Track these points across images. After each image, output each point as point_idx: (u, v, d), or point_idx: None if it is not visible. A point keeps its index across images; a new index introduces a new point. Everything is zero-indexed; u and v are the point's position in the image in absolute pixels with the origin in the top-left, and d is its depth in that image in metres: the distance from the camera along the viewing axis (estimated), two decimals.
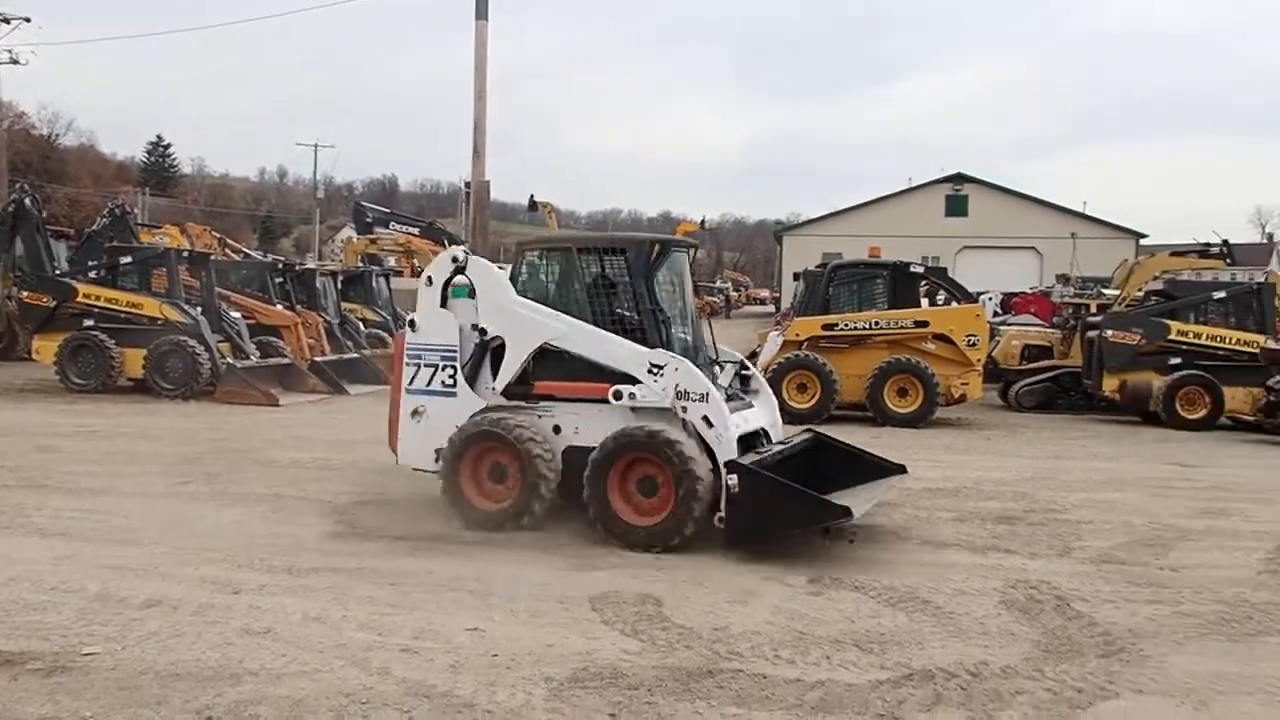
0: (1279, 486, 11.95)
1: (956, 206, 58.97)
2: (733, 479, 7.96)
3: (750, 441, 8.74)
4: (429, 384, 9.12)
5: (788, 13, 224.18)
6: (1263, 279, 21.55)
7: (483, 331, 9.01)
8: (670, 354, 8.44)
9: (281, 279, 22.52)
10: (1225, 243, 22.53)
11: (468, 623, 6.34)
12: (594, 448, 8.41)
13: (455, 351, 9.05)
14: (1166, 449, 15.12)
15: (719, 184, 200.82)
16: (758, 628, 6.43)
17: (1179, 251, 23.55)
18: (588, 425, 8.65)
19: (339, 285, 24.54)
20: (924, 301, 19.48)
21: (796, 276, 24.12)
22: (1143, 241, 54.78)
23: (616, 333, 8.66)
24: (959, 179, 59.66)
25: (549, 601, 6.83)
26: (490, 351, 9.02)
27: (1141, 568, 8.10)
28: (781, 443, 9.17)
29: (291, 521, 8.97)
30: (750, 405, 9.18)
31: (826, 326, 17.77)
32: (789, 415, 16.57)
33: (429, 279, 9.31)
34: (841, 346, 17.55)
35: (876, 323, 17.50)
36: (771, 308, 70.72)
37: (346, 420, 15.79)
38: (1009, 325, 22.92)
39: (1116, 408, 18.64)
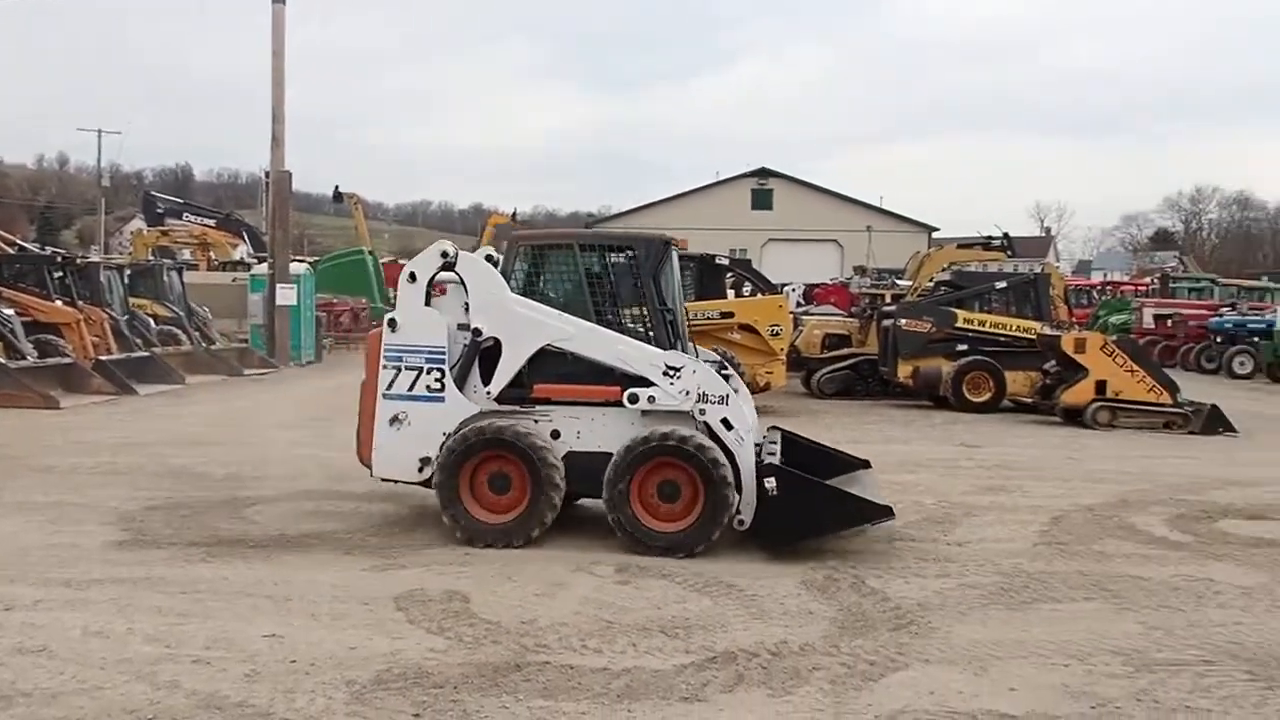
0: (1054, 464, 12.77)
1: (762, 200, 60.66)
2: (770, 481, 7.83)
3: None
4: (411, 388, 8.41)
5: (599, 7, 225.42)
6: (1039, 270, 22.96)
7: (475, 332, 8.39)
8: (688, 355, 8.29)
9: (61, 273, 21.17)
10: (1006, 236, 23.93)
11: (265, 629, 6.12)
12: (596, 453, 8.13)
13: (443, 353, 8.41)
14: (955, 430, 15.93)
15: (530, 176, 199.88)
16: (565, 619, 6.44)
17: (965, 244, 24.90)
18: (590, 429, 8.28)
19: (126, 280, 23.24)
20: (730, 293, 19.91)
21: None
22: (934, 235, 57.65)
23: (624, 334, 8.34)
24: (764, 174, 61.37)
25: (352, 603, 6.67)
26: (481, 353, 8.47)
27: (931, 544, 8.51)
28: (758, 443, 8.76)
29: (72, 531, 8.44)
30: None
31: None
32: None
33: (412, 275, 8.58)
34: None
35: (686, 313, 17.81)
36: None
37: (135, 422, 15.01)
38: (810, 315, 23.69)
39: (910, 393, 19.52)
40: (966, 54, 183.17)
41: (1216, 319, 29.25)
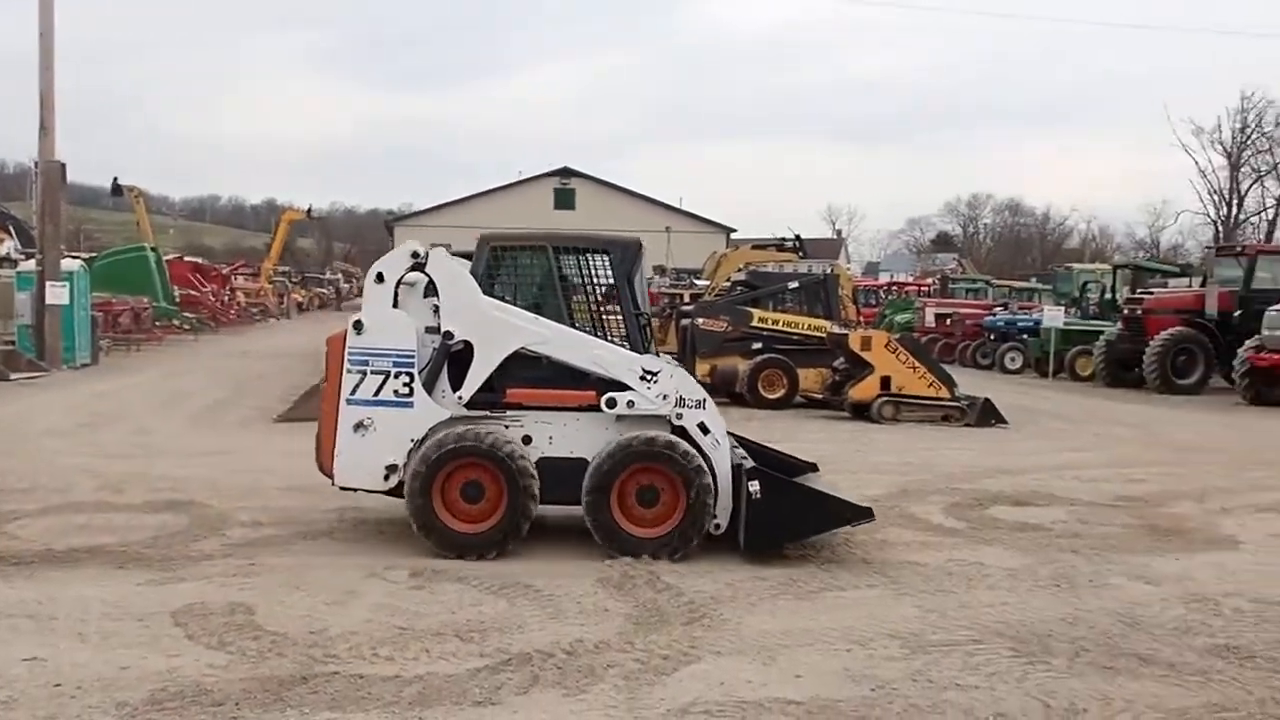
0: (842, 457, 13.26)
1: (564, 199, 60.94)
2: (754, 485, 7.74)
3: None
4: (377, 393, 8.05)
5: (398, 1, 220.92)
6: (829, 271, 23.86)
7: (447, 335, 8.09)
8: (665, 359, 8.15)
9: None
10: (798, 237, 24.80)
11: (24, 652, 5.70)
12: (569, 458, 7.92)
13: (412, 357, 8.06)
14: (751, 427, 16.23)
15: (327, 172, 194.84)
16: (356, 627, 6.28)
17: (761, 245, 25.65)
18: (563, 435, 8.07)
19: None
20: None
21: None
22: (732, 235, 59.16)
23: (598, 337, 8.17)
24: (566, 173, 61.67)
25: (125, 620, 6.31)
26: (450, 357, 8.15)
27: (723, 537, 8.67)
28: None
29: None
30: None
31: None
32: None
33: (379, 275, 8.20)
34: None
35: None
36: None
37: None
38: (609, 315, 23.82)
39: (708, 390, 19.90)
40: (762, 60, 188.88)
41: (990, 318, 31.10)
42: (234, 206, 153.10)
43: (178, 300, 37.38)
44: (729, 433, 9.13)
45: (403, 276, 8.20)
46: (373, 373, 8.09)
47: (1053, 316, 26.48)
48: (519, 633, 6.26)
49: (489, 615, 6.58)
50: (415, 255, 8.16)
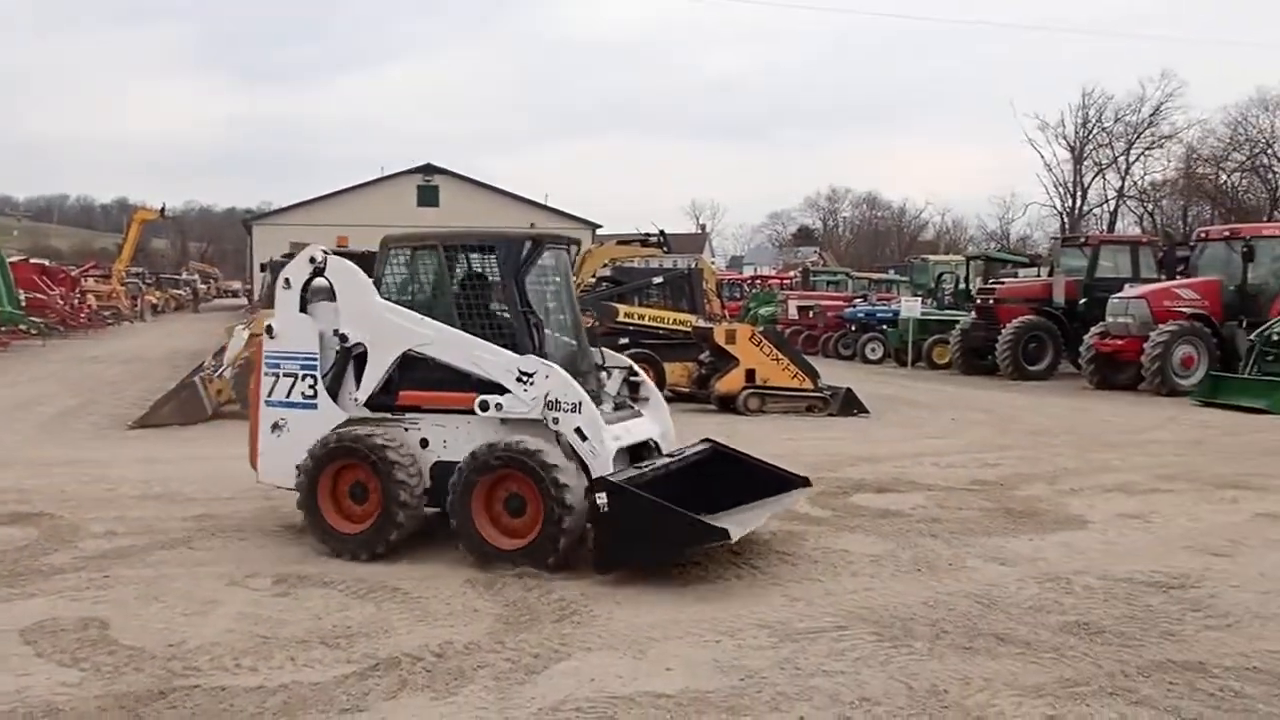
0: None
1: (428, 197, 60.15)
2: (602, 497, 7.18)
3: (639, 453, 8.29)
4: (288, 395, 8.30)
5: None
6: (694, 265, 24.12)
7: (343, 338, 8.14)
8: (542, 361, 7.77)
9: None
10: (662, 232, 24.99)
11: None
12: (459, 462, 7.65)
13: (315, 360, 8.21)
14: None
15: (182, 171, 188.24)
16: (218, 638, 6.12)
17: (625, 240, 25.75)
18: (455, 438, 7.90)
19: None
20: None
21: (264, 267, 23.28)
22: (598, 231, 59.26)
23: (486, 338, 7.89)
24: (429, 170, 60.88)
25: None
26: (354, 359, 8.14)
27: (589, 532, 8.69)
28: (671, 454, 8.46)
29: None
30: (638, 414, 8.58)
31: None
32: None
33: (286, 281, 8.38)
34: None
35: None
36: (243, 300, 67.76)
37: None
38: None
39: None
40: (624, 57, 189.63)
41: (850, 309, 31.88)
42: (83, 206, 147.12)
43: (23, 304, 35.64)
44: (710, 440, 9.08)
45: (307, 281, 8.33)
46: (284, 375, 8.35)
47: (910, 307, 27.25)
48: (386, 637, 6.18)
49: (355, 620, 6.48)
50: (313, 260, 8.29)
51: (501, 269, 8.18)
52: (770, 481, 8.74)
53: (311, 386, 8.27)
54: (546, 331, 8.29)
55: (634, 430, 8.36)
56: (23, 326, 34.21)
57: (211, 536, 8.56)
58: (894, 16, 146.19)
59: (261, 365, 8.49)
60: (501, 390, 7.81)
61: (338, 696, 5.29)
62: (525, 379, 7.77)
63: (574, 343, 8.65)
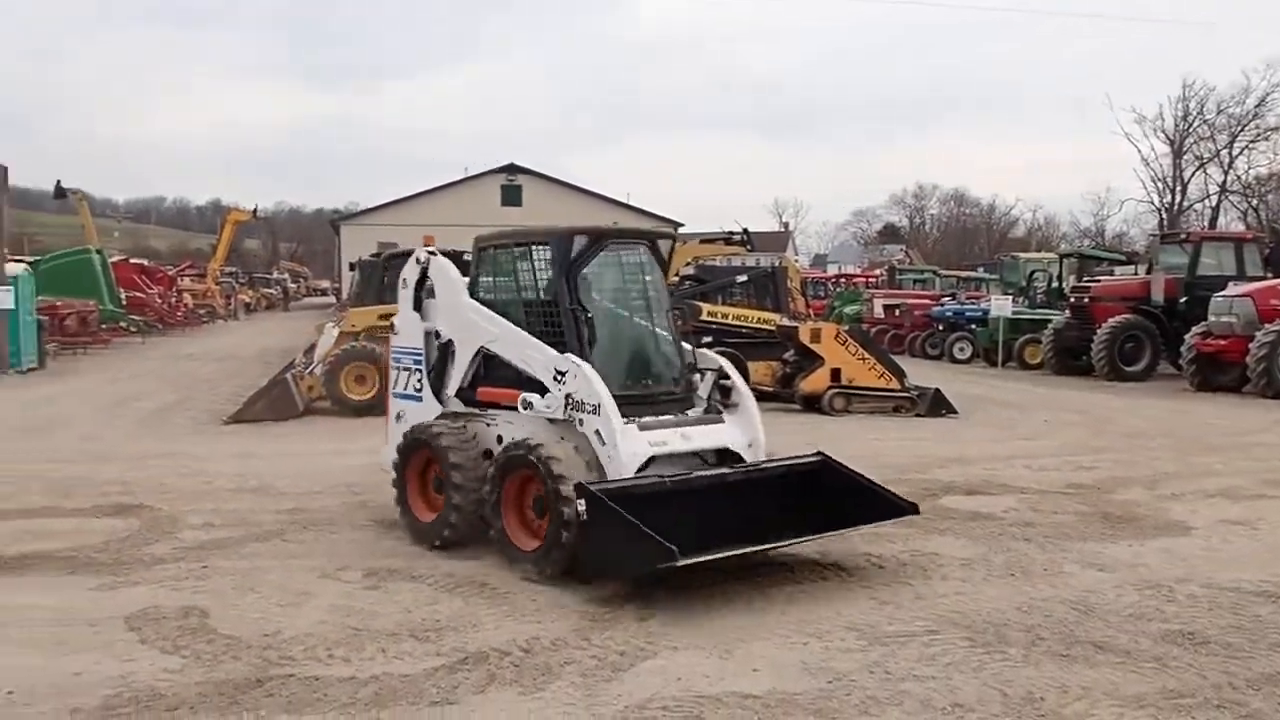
0: (793, 448, 13.23)
1: (511, 196, 60.67)
2: (581, 504, 6.84)
3: (725, 459, 7.95)
4: (405, 388, 8.96)
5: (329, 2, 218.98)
6: (777, 263, 23.99)
7: (437, 335, 8.71)
8: (573, 360, 7.59)
9: None
10: (745, 230, 24.82)
11: None
12: None
13: (422, 355, 8.76)
14: None
15: (273, 172, 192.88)
16: (311, 629, 6.23)
17: (708, 239, 25.65)
18: (520, 435, 7.89)
19: None
20: None
21: (352, 266, 23.67)
22: (680, 229, 59.19)
23: (542, 336, 7.88)
24: (512, 170, 61.41)
25: (77, 626, 6.22)
26: (451, 355, 8.59)
27: None
28: (759, 465, 7.96)
29: None
30: (717, 420, 8.12)
31: (384, 316, 17.49)
32: (348, 407, 16.32)
33: (404, 280, 9.00)
34: None
35: None
36: (331, 299, 69.05)
37: None
38: None
39: None
40: (706, 54, 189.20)
41: (938, 308, 31.38)
42: (179, 208, 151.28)
43: (124, 303, 36.79)
44: (822, 453, 8.36)
45: (419, 281, 8.80)
46: (402, 369, 9.02)
47: (1000, 306, 26.72)
48: (475, 631, 6.23)
49: (444, 614, 6.55)
50: (419, 261, 8.79)
51: (553, 264, 8.05)
52: (876, 505, 7.84)
53: (419, 380, 8.77)
54: (610, 329, 8.11)
55: (697, 437, 7.91)
56: (123, 324, 35.32)
57: (303, 530, 8.72)
58: (980, 9, 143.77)
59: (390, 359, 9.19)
60: (544, 389, 7.79)
61: (427, 689, 5.34)
62: (559, 378, 7.69)
63: (651, 342, 8.38)
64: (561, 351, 7.72)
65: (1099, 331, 23.23)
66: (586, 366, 7.61)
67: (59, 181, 47.89)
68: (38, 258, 36.94)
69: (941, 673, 5.66)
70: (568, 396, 7.60)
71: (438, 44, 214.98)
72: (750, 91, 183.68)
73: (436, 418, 8.48)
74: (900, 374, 17.67)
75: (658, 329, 8.44)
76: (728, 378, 8.38)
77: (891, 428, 15.75)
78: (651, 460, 7.54)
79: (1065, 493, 10.57)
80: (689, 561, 6.45)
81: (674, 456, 7.73)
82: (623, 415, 7.54)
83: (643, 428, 7.63)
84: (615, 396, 7.60)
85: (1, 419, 15.86)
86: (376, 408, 16.06)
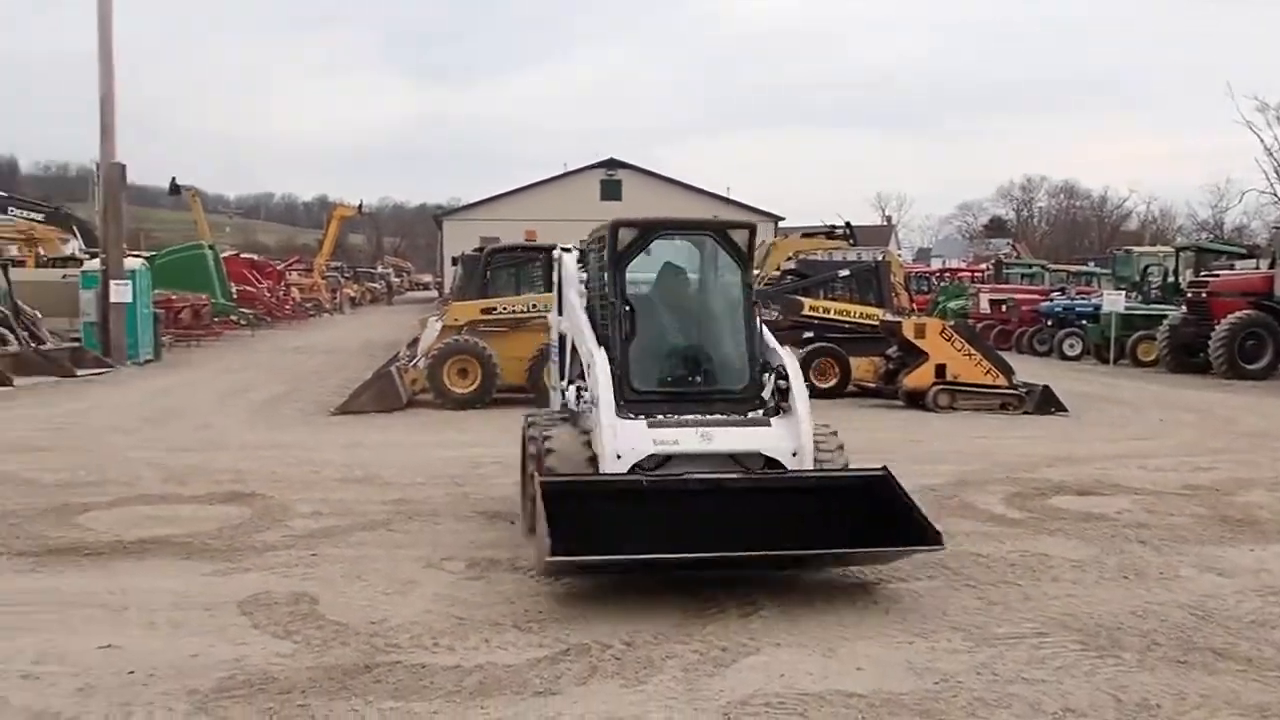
0: (897, 446, 13.13)
1: (611, 190, 60.92)
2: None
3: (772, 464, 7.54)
4: (553, 380, 9.52)
5: None
6: (881, 257, 23.64)
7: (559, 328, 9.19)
8: (596, 351, 7.60)
9: None
10: (848, 225, 24.60)
11: (99, 641, 5.83)
12: None
13: (555, 349, 9.29)
14: None
15: (377, 168, 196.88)
16: (417, 617, 6.33)
17: (810, 233, 25.44)
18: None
19: None
20: None
21: (455, 261, 24.00)
22: (780, 224, 58.84)
23: (600, 327, 7.95)
24: (612, 164, 61.70)
25: (193, 610, 6.42)
26: (568, 349, 8.83)
27: None
28: (781, 473, 7.48)
29: None
30: (760, 423, 7.66)
31: (485, 310, 17.77)
32: (451, 400, 16.56)
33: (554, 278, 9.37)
34: (501, 330, 17.56)
35: (535, 305, 17.59)
36: (434, 293, 70.15)
37: None
38: None
39: None
40: (807, 47, 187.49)
41: (1047, 303, 30.64)
42: (287, 204, 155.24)
43: (235, 296, 37.92)
44: (885, 468, 7.41)
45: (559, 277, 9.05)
46: (551, 362, 9.62)
47: (1113, 301, 25.96)
48: (576, 623, 6.25)
49: (546, 606, 6.59)
50: (555, 257, 9.11)
51: (604, 257, 7.96)
52: (909, 531, 6.95)
53: (556, 373, 9.14)
54: (655, 323, 8.03)
55: (720, 438, 7.46)
56: (234, 317, 36.41)
57: (409, 520, 8.86)
58: None
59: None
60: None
61: (531, 679, 5.38)
62: (587, 369, 7.78)
63: (707, 337, 8.22)
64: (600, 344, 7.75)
65: (1217, 328, 22.45)
66: (601, 359, 7.54)
67: (174, 178, 49.70)
68: (153, 253, 38.30)
69: (1052, 676, 5.52)
70: (578, 389, 7.83)
71: (544, 39, 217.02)
72: (853, 85, 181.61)
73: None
74: (1008, 370, 17.29)
75: (720, 323, 8.21)
76: (785, 379, 7.80)
77: (998, 426, 15.42)
78: (669, 459, 7.38)
79: (1181, 494, 10.22)
80: (560, 560, 6.21)
81: (702, 457, 7.40)
82: (660, 412, 7.52)
83: (653, 424, 7.44)
84: (653, 392, 7.66)
85: (122, 409, 16.47)
86: (478, 401, 16.42)
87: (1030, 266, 42.47)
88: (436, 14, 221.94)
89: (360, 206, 59.08)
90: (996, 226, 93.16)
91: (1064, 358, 28.04)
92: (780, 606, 6.58)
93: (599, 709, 5.06)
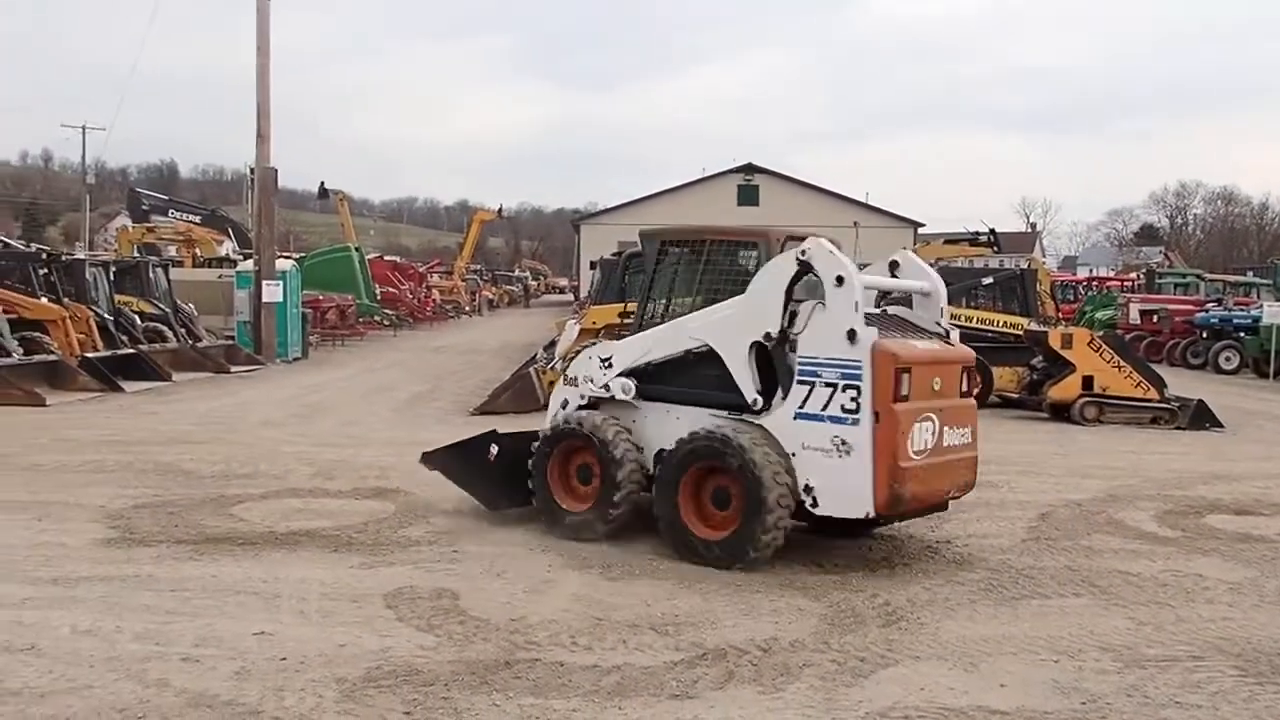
0: (1041, 459, 12.79)
1: (748, 196, 60.72)
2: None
3: None
4: None
5: (573, 5, 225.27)
6: (1026, 265, 23.03)
7: None
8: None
9: (46, 270, 21.04)
10: (992, 231, 24.04)
11: (254, 627, 6.08)
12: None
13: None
14: None
15: (516, 172, 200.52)
16: (555, 616, 6.42)
17: (952, 240, 24.93)
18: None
19: (112, 276, 23.10)
20: None
21: (593, 265, 24.26)
22: (920, 230, 57.83)
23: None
24: (749, 169, 61.47)
25: (341, 601, 6.64)
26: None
27: (920, 540, 8.51)
28: None
29: (59, 529, 8.38)
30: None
31: (623, 314, 17.88)
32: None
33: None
34: None
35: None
36: (570, 296, 71.01)
37: (121, 420, 14.92)
38: None
39: None
40: (947, 50, 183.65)
41: (1202, 314, 29.38)
42: (429, 208, 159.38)
43: (379, 298, 39.07)
44: None
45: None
46: None
47: (1274, 313, 24.77)
48: (713, 628, 6.27)
49: (683, 609, 6.61)
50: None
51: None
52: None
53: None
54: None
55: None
56: (377, 318, 37.52)
57: (539, 520, 8.97)
58: None
59: None
60: None
61: (668, 682, 5.41)
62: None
63: None
64: None
65: None
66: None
67: (323, 183, 51.47)
68: (303, 254, 39.74)
69: (1208, 701, 5.30)
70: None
71: (684, 46, 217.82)
72: (991, 87, 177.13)
73: None
74: (1160, 383, 16.65)
75: None
76: None
77: (1149, 440, 14.86)
78: None
79: None
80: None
81: None
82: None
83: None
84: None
85: (273, 404, 17.14)
86: None
87: (1185, 276, 40.75)
88: (578, 20, 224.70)
89: (500, 210, 60.28)
90: (1148, 234, 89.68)
91: (1219, 371, 26.86)
92: (920, 618, 6.49)
93: (736, 714, 5.05)
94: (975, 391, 8.57)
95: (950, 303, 19.02)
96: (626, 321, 17.79)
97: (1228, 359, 27.14)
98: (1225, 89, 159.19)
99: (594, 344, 9.79)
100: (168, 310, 24.30)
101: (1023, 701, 5.25)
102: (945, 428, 7.40)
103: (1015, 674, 5.63)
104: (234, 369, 22.38)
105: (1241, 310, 28.97)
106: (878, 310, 8.17)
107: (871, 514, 7.23)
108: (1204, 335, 28.37)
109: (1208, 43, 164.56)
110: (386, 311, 38.62)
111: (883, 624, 6.38)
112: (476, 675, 5.44)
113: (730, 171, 62.30)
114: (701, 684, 5.40)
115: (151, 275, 24.94)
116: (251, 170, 29.80)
